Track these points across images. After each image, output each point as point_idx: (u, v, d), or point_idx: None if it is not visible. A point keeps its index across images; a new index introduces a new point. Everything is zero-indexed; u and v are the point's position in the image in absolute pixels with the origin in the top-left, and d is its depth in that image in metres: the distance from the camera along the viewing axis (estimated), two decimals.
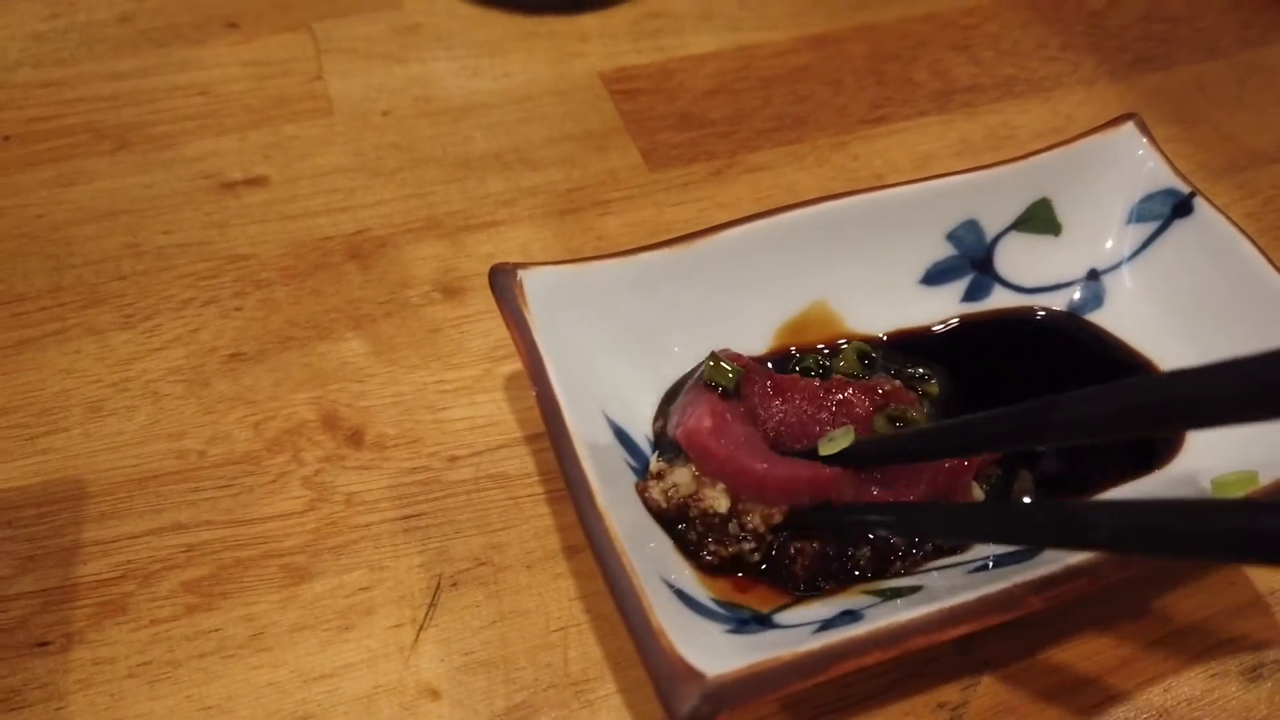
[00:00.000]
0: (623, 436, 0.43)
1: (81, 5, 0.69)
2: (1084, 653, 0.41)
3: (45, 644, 0.40)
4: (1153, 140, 0.50)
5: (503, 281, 0.42)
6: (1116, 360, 0.48)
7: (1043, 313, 0.50)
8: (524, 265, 0.43)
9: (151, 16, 0.68)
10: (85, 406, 0.47)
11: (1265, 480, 0.38)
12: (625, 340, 0.44)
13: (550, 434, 0.38)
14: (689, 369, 0.46)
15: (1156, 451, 0.44)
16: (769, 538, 0.40)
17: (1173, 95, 0.67)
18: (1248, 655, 0.42)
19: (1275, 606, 0.43)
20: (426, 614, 0.41)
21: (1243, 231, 0.46)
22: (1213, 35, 0.72)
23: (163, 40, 0.67)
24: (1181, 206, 0.48)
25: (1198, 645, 0.42)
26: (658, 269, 0.45)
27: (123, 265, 0.54)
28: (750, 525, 0.40)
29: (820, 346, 0.48)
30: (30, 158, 0.59)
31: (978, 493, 0.42)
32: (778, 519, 0.40)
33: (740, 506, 0.40)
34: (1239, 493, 0.38)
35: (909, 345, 0.48)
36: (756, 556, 0.40)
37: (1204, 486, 0.40)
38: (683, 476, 0.41)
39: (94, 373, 0.49)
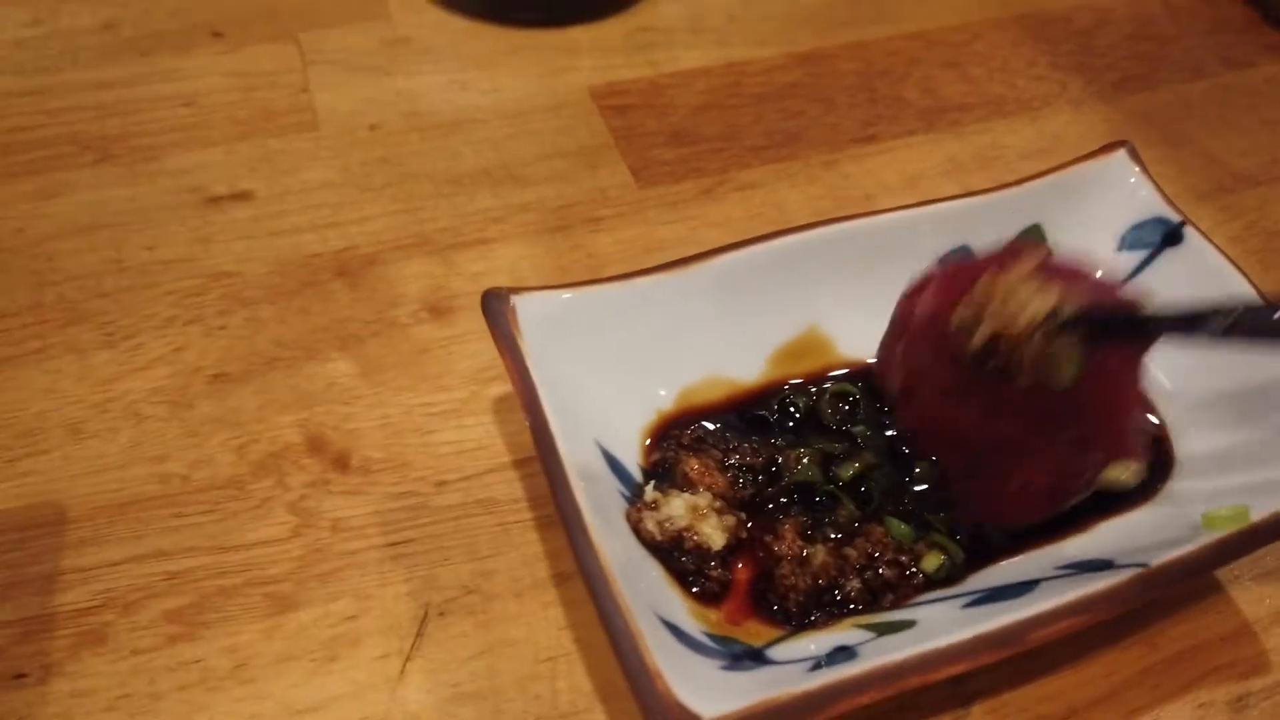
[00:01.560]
0: (615, 464, 0.42)
1: (64, 11, 0.68)
2: (1073, 682, 0.41)
3: (23, 676, 0.39)
4: (1144, 168, 0.50)
5: (496, 307, 0.42)
6: None
7: None
8: (517, 290, 0.42)
9: (135, 24, 0.67)
10: (65, 428, 0.47)
11: (1256, 516, 0.38)
12: (618, 366, 0.44)
13: (544, 464, 0.38)
14: (679, 396, 0.46)
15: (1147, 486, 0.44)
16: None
17: (1158, 116, 0.67)
18: (1234, 684, 0.42)
19: (1261, 634, 0.43)
20: (413, 644, 0.41)
21: (1232, 261, 0.47)
22: (1197, 56, 0.73)
23: (147, 49, 0.66)
24: (1172, 235, 0.48)
25: (1185, 675, 0.42)
26: (651, 294, 0.45)
27: (105, 282, 0.53)
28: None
29: (809, 385, 0.47)
30: (10, 169, 0.58)
31: None
32: None
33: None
34: (1232, 528, 0.38)
35: None
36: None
37: (1195, 520, 0.40)
38: (678, 508, 0.40)
39: (75, 393, 0.48)
